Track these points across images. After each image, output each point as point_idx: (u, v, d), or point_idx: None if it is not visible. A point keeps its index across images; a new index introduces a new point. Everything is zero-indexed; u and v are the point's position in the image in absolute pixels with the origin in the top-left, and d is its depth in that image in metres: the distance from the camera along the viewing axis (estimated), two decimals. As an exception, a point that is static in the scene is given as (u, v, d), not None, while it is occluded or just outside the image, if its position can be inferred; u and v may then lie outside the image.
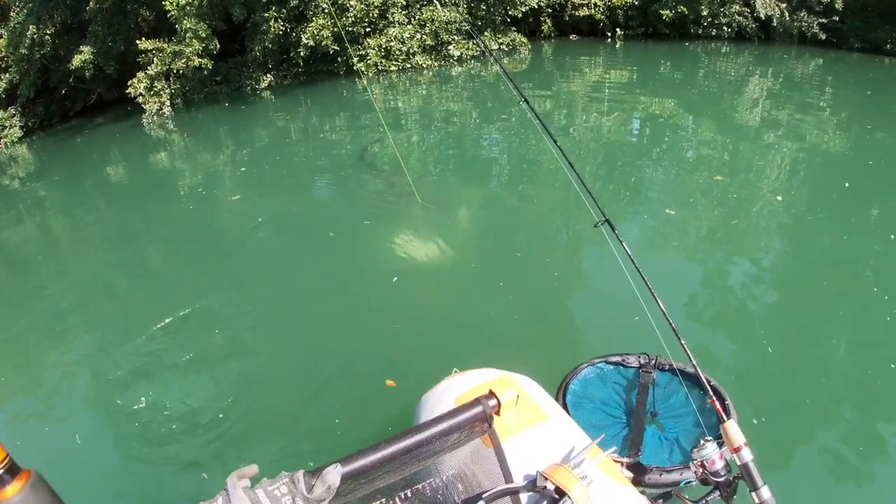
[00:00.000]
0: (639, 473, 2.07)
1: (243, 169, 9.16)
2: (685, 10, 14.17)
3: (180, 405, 3.89)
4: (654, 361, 2.54)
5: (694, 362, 2.18)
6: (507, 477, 1.39)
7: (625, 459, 2.12)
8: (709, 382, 2.23)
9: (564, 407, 2.38)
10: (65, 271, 6.60)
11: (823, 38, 13.29)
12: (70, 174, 10.72)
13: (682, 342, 2.22)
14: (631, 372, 2.58)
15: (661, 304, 2.32)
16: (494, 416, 1.41)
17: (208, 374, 4.19)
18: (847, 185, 5.98)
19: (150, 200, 8.25)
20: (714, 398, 2.03)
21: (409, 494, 1.36)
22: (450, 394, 1.82)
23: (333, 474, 1.10)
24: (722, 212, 5.59)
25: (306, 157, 9.07)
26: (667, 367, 2.52)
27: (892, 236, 4.88)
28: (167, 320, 4.81)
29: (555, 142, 3.15)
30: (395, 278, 4.93)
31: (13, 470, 0.85)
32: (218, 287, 5.38)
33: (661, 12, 14.37)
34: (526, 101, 3.48)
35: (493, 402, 1.41)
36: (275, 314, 4.83)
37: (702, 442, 1.83)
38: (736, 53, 13.38)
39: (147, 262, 6.43)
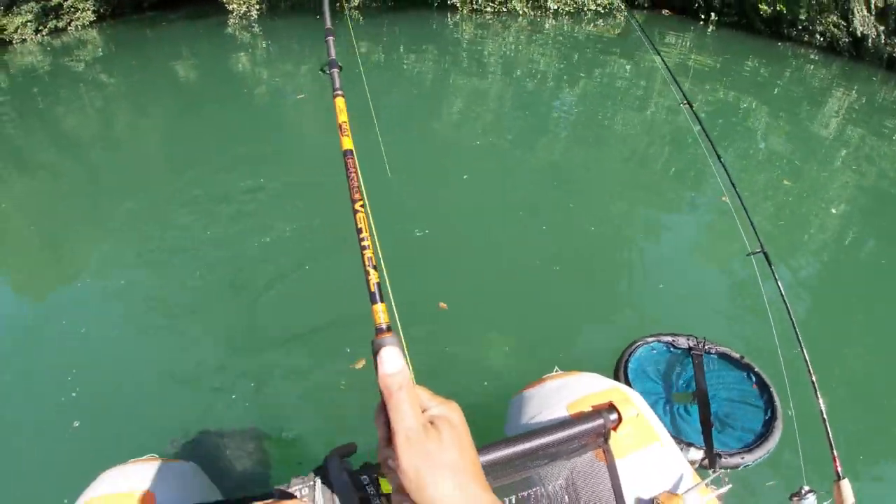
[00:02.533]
0: (713, 462, 2.09)
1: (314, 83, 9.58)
2: (784, 8, 13.96)
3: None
4: (702, 344, 2.57)
5: (823, 410, 2.22)
6: (619, 497, 1.35)
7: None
8: (759, 374, 2.38)
9: (627, 383, 2.41)
10: (119, 157, 7.09)
11: (915, 67, 13.13)
12: (138, 63, 11.14)
13: (819, 398, 2.22)
14: (680, 353, 2.61)
15: (805, 351, 2.31)
16: (611, 432, 1.40)
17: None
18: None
19: (217, 97, 8.86)
20: (831, 448, 2.08)
21: (514, 502, 1.33)
22: (560, 397, 1.67)
23: None
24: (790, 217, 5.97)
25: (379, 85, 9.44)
26: (713, 351, 2.55)
27: None
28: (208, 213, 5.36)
29: (718, 157, 3.17)
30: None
31: None
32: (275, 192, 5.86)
33: (760, 6, 14.18)
34: (689, 104, 3.49)
35: (613, 417, 1.39)
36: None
37: (803, 491, 1.89)
38: (824, 64, 13.28)
39: (205, 158, 6.84)
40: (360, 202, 0.89)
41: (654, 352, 2.63)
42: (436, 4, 13.98)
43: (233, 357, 3.82)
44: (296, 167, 6.36)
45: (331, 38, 1.30)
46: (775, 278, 2.59)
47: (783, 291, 2.53)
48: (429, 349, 3.76)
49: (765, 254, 2.69)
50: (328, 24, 1.44)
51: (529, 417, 1.66)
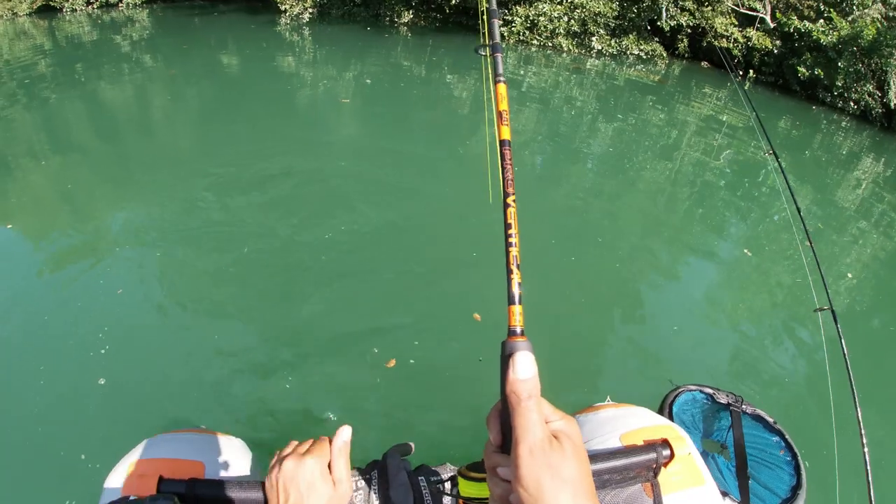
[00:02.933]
0: None
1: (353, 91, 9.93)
2: (822, 73, 14.18)
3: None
4: (740, 402, 2.61)
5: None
6: None
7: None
8: (789, 441, 2.42)
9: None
10: (155, 135, 7.45)
11: (943, 145, 13.28)
12: (185, 48, 11.55)
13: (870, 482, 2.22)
14: (719, 406, 2.66)
15: (859, 413, 2.34)
16: (662, 468, 1.41)
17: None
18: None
19: (259, 91, 9.14)
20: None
21: None
22: (614, 427, 1.67)
23: None
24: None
25: (417, 108, 9.76)
26: (748, 410, 2.59)
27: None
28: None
29: (799, 211, 3.22)
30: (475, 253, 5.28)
31: None
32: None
33: (799, 68, 14.42)
34: (775, 154, 3.56)
35: (666, 453, 1.40)
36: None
37: None
38: (855, 132, 13.45)
39: (237, 142, 7.13)
40: (513, 196, 0.87)
41: (695, 401, 2.71)
42: (481, 55, 14.16)
43: (269, 342, 3.96)
44: (335, 168, 6.66)
45: (495, 21, 1.14)
46: (840, 337, 2.63)
47: (846, 353, 2.58)
48: (464, 358, 3.91)
49: (832, 311, 2.74)
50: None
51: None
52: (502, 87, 1.02)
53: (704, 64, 16.09)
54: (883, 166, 11.33)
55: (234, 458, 1.44)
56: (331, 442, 1.00)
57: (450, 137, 8.31)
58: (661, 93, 12.83)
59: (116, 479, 1.21)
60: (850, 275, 6.34)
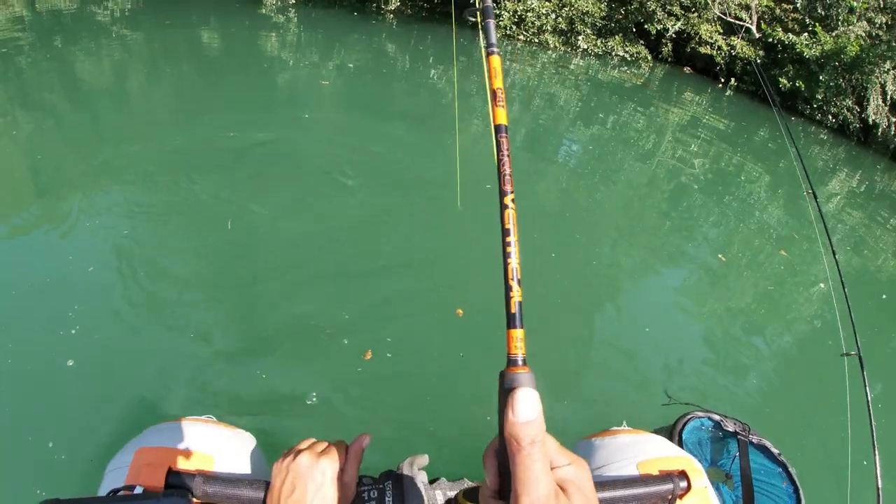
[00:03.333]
0: None
1: (335, 77, 9.75)
2: (803, 86, 14.30)
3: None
4: (748, 432, 2.56)
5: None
6: None
7: None
8: (792, 475, 2.40)
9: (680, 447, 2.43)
10: (128, 112, 7.13)
11: (918, 164, 13.47)
12: (165, 23, 11.22)
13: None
14: (726, 435, 2.61)
15: (878, 465, 2.32)
16: (678, 499, 1.37)
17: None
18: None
19: (236, 68, 8.94)
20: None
21: None
22: (632, 454, 1.63)
23: None
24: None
25: (398, 95, 9.59)
26: (755, 440, 2.55)
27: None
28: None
29: (833, 253, 3.21)
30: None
31: None
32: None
33: (780, 79, 14.53)
34: (814, 195, 3.48)
35: (683, 484, 1.37)
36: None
37: None
38: (832, 145, 13.58)
39: (211, 118, 6.90)
40: (512, 195, 0.72)
41: (703, 427, 2.67)
42: (469, 24, 14.08)
43: (244, 327, 3.74)
44: (317, 147, 6.45)
45: None
46: (865, 384, 2.59)
47: (869, 399, 2.54)
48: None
49: (859, 357, 2.71)
50: None
51: (597, 466, 1.62)
52: (496, 60, 0.87)
53: (687, 69, 16.13)
54: (857, 180, 11.44)
55: (244, 452, 1.36)
56: (347, 448, 1.00)
57: (431, 126, 8.15)
58: (642, 95, 12.81)
59: (121, 466, 1.13)
60: (822, 286, 6.32)
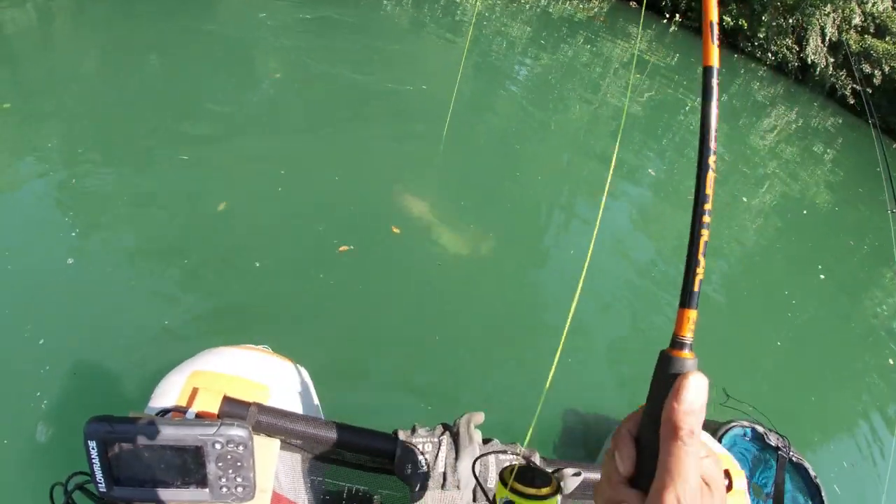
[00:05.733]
0: None
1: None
2: (745, 24, 14.18)
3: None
4: (788, 448, 2.55)
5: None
6: None
7: None
8: (824, 499, 2.39)
9: None
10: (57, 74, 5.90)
11: (852, 101, 13.61)
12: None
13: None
14: (767, 448, 2.60)
15: None
16: None
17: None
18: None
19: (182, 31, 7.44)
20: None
21: None
22: None
23: (571, 481, 1.01)
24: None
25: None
26: (794, 458, 2.53)
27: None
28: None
29: None
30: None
31: None
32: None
33: (724, 17, 14.32)
34: None
35: (726, 482, 1.24)
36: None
37: None
38: (770, 82, 13.55)
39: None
40: (714, 156, 0.55)
41: (746, 437, 2.63)
42: None
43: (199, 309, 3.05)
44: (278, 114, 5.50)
45: None
46: None
47: None
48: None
49: None
50: None
51: None
52: None
53: (633, 4, 15.75)
54: (795, 116, 11.43)
55: (298, 385, 1.32)
56: None
57: (412, 70, 7.40)
58: (590, 27, 12.39)
59: (173, 387, 1.06)
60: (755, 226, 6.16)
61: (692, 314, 0.54)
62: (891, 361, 4.45)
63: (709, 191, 0.55)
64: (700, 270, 0.54)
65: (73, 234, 3.10)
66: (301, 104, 5.17)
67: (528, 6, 12.44)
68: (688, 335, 0.54)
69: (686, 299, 0.54)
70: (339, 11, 7.87)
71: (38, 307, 2.65)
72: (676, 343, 0.54)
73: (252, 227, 3.54)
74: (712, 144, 0.55)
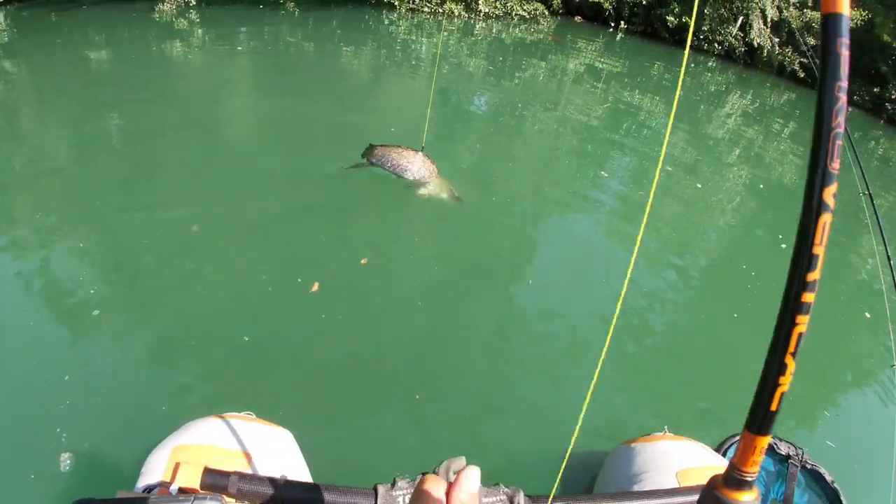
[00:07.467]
0: None
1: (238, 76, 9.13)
2: (689, 20, 14.69)
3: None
4: (801, 457, 2.38)
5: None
6: None
7: None
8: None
9: None
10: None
11: (802, 75, 14.12)
12: (43, 48, 9.07)
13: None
14: (776, 457, 2.42)
15: None
16: None
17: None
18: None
19: (133, 81, 7.39)
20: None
21: None
22: (670, 462, 1.54)
23: None
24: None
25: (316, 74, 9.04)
26: (808, 465, 2.37)
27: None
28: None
29: (889, 258, 2.89)
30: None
31: None
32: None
33: (667, 17, 14.86)
34: (870, 196, 3.08)
35: None
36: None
37: None
38: (721, 70, 13.98)
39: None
40: (837, 163, 0.41)
41: None
42: (372, 1, 13.51)
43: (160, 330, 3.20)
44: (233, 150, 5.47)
45: None
46: None
47: None
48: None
49: None
50: None
51: (634, 474, 1.55)
52: None
53: (578, 18, 16.22)
54: (749, 99, 11.84)
55: (282, 449, 1.33)
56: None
57: (352, 101, 7.71)
58: (541, 47, 12.82)
59: (158, 463, 1.12)
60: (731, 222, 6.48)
61: (763, 442, 0.40)
62: (867, 315, 4.64)
63: (819, 244, 0.38)
64: (785, 380, 0.39)
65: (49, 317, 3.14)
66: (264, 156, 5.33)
67: (481, 37, 12.88)
68: (752, 470, 0.41)
69: (757, 422, 0.40)
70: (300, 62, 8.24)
71: (22, 387, 2.69)
72: (733, 479, 0.41)
73: (228, 290, 3.55)
74: (835, 164, 0.41)
